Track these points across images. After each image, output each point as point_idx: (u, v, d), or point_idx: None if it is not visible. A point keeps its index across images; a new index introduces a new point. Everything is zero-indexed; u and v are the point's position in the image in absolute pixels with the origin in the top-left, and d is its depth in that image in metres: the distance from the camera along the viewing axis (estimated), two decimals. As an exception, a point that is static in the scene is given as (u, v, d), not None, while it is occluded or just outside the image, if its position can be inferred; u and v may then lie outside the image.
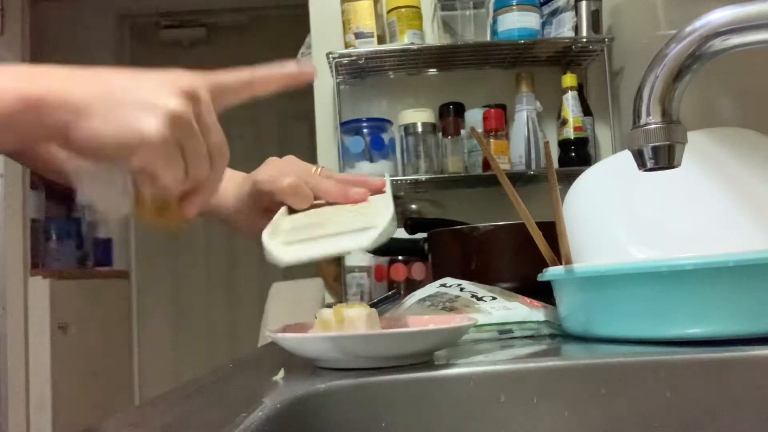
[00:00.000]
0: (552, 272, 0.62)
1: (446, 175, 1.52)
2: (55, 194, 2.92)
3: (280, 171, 0.67)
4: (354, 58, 1.52)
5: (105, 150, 0.44)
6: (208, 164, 0.47)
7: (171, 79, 0.45)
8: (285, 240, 0.56)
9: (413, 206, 1.54)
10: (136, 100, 0.44)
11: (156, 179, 0.45)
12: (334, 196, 0.65)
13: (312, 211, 0.65)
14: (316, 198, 0.66)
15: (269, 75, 0.54)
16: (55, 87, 0.43)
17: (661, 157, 0.49)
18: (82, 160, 0.45)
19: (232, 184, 0.72)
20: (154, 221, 0.48)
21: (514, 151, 1.52)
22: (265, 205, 0.67)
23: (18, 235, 2.66)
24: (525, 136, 1.51)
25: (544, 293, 0.66)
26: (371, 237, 0.52)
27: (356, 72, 1.60)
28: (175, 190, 0.47)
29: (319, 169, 0.69)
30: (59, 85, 0.43)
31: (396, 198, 1.58)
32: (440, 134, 1.55)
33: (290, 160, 0.70)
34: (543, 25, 1.52)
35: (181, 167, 0.46)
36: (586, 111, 1.54)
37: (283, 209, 0.65)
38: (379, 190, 0.67)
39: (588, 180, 0.81)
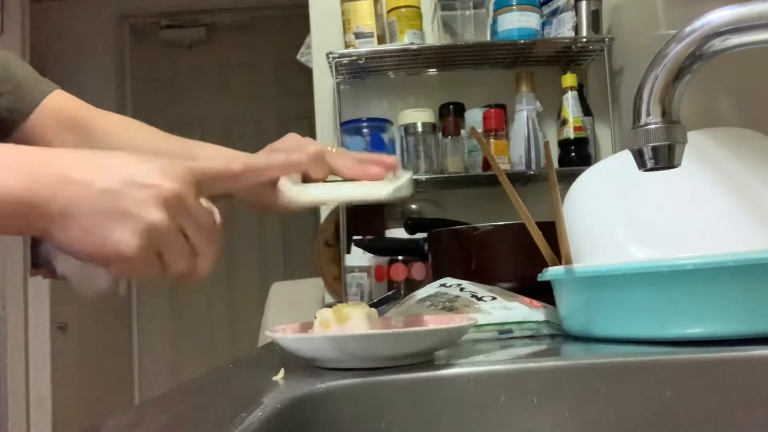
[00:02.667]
0: (552, 272, 0.62)
1: (446, 175, 1.52)
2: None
3: (304, 141, 0.68)
4: (354, 58, 1.52)
5: (81, 257, 0.45)
6: (191, 260, 0.47)
7: (157, 185, 0.45)
8: (302, 189, 0.56)
9: (413, 206, 1.54)
10: (116, 211, 0.44)
11: (136, 277, 0.46)
12: (353, 173, 0.65)
13: (329, 183, 0.65)
14: (332, 174, 0.66)
15: (262, 165, 0.53)
16: (41, 190, 0.43)
17: (661, 157, 0.49)
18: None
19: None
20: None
21: (514, 151, 1.52)
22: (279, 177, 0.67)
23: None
24: (525, 136, 1.51)
25: (544, 293, 0.66)
26: (389, 188, 0.52)
27: (356, 72, 1.60)
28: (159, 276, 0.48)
29: (335, 149, 0.69)
30: (44, 189, 0.43)
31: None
32: (440, 134, 1.55)
33: (308, 139, 0.71)
34: (543, 25, 1.52)
35: (159, 268, 0.46)
36: (586, 111, 1.54)
37: (296, 177, 0.64)
38: (392, 167, 0.67)
39: (588, 180, 0.81)
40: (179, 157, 0.74)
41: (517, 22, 1.47)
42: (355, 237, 1.41)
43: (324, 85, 1.66)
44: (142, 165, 0.46)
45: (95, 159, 0.46)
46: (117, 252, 0.44)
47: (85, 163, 0.46)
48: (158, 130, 0.79)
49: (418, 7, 1.54)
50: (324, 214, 1.67)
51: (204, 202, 0.49)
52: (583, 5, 1.51)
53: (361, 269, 1.43)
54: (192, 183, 0.47)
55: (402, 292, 1.26)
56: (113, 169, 0.45)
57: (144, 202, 0.44)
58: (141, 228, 0.44)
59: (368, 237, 1.36)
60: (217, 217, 0.49)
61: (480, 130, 1.52)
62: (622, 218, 0.72)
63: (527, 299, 0.68)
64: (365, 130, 1.53)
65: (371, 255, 1.37)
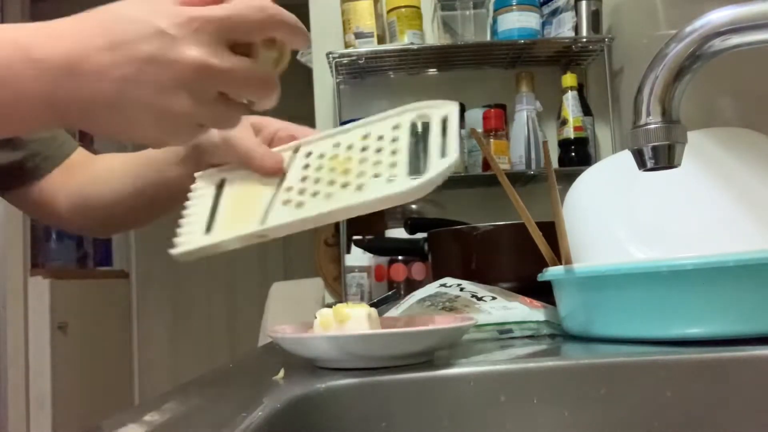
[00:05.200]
0: (552, 272, 0.62)
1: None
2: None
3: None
4: (354, 58, 1.52)
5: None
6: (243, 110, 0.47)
7: (174, 60, 0.41)
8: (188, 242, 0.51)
9: (413, 206, 1.54)
10: (136, 105, 0.42)
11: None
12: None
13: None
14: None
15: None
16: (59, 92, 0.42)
17: (661, 156, 0.49)
18: None
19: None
20: None
21: (514, 151, 1.52)
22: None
23: (18, 235, 2.66)
24: (525, 136, 1.51)
25: (544, 293, 0.66)
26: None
27: (356, 72, 1.60)
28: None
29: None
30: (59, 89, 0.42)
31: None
32: (440, 134, 1.55)
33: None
34: (543, 25, 1.52)
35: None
36: (586, 111, 1.54)
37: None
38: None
39: (588, 180, 0.81)
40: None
41: (517, 22, 1.47)
42: (355, 237, 1.41)
43: (324, 85, 1.66)
44: (148, 31, 0.41)
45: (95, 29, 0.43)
46: (157, 140, 0.44)
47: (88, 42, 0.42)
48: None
49: (418, 7, 1.54)
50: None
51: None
52: (583, 5, 1.51)
53: (361, 269, 1.43)
54: (212, 34, 0.42)
55: (402, 292, 1.26)
56: (126, 47, 0.41)
57: (165, 89, 0.41)
58: (167, 121, 0.42)
59: (368, 237, 1.36)
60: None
61: (480, 130, 1.52)
62: (622, 218, 0.72)
63: (527, 299, 0.68)
64: (365, 130, 1.52)
65: (371, 255, 1.37)
